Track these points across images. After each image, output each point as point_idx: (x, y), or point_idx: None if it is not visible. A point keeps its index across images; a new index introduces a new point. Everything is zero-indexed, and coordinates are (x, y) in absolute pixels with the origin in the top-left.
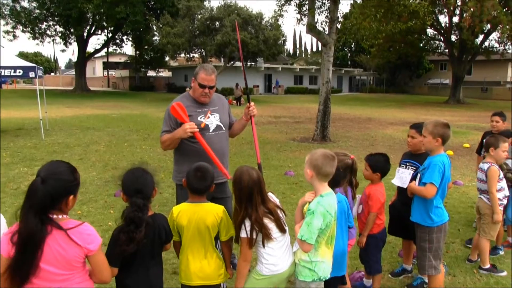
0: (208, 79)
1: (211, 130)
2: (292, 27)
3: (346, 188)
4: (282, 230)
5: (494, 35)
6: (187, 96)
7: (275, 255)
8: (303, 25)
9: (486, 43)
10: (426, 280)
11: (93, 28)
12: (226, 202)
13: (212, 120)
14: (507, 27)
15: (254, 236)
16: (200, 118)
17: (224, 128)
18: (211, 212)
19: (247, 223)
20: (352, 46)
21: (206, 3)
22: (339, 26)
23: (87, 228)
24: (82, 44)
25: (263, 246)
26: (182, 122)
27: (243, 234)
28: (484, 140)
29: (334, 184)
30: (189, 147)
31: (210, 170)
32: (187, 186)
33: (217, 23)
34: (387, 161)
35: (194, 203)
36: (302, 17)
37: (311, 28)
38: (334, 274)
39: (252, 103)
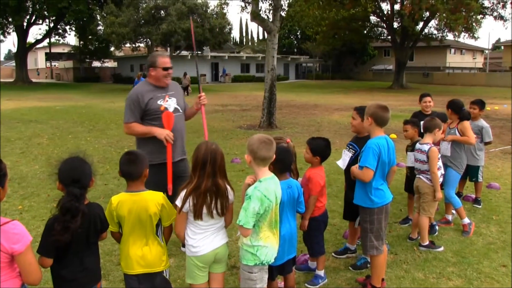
0: (167, 61)
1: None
2: (237, 15)
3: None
4: (209, 217)
5: (433, 22)
6: (147, 84)
7: (194, 238)
8: (248, 13)
9: (426, 30)
10: (369, 260)
11: (34, 17)
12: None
13: (170, 103)
14: (444, 15)
15: (184, 209)
16: (159, 101)
17: (181, 111)
18: (152, 201)
19: (190, 197)
20: (298, 33)
21: None
22: (283, 13)
23: (15, 227)
24: (22, 34)
25: (189, 223)
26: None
27: (178, 204)
28: (423, 122)
29: (283, 168)
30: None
31: (140, 154)
32: (121, 173)
33: (162, 12)
34: (328, 146)
35: (132, 192)
36: (246, 4)
37: (255, 16)
38: (287, 257)
39: (202, 93)
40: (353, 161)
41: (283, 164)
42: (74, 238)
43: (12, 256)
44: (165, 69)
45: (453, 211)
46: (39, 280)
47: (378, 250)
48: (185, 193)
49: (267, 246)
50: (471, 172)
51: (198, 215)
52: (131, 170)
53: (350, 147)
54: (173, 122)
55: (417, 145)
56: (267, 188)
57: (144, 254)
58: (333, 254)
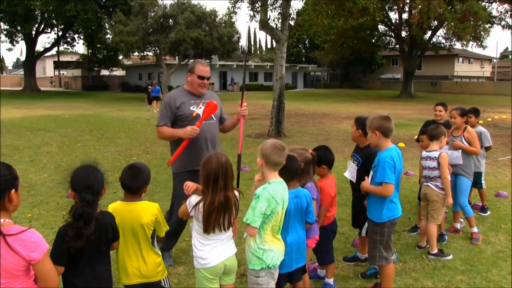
0: (205, 71)
1: None
2: (245, 24)
3: (315, 183)
4: (220, 230)
5: (441, 31)
6: (182, 89)
7: (203, 250)
8: (256, 22)
9: (434, 39)
10: (379, 269)
11: (42, 26)
12: None
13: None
14: (452, 23)
15: (193, 213)
16: (192, 107)
17: (214, 119)
18: (146, 211)
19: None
20: (306, 42)
21: (159, 1)
22: (292, 22)
23: (32, 235)
24: (31, 42)
25: (197, 235)
26: (193, 118)
27: (191, 210)
28: (429, 130)
29: (291, 175)
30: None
31: (144, 170)
32: (120, 183)
33: (170, 20)
34: (327, 150)
35: (127, 202)
36: (255, 13)
37: (264, 25)
38: (296, 265)
39: (244, 104)
40: (359, 172)
41: (287, 172)
42: (86, 246)
43: (28, 264)
44: (201, 77)
45: (461, 219)
46: (57, 286)
47: (387, 260)
48: (203, 210)
49: (272, 250)
50: (474, 179)
51: (210, 230)
52: (130, 185)
53: (354, 158)
54: (210, 111)
55: (424, 153)
56: (275, 190)
57: (139, 265)
58: (342, 259)
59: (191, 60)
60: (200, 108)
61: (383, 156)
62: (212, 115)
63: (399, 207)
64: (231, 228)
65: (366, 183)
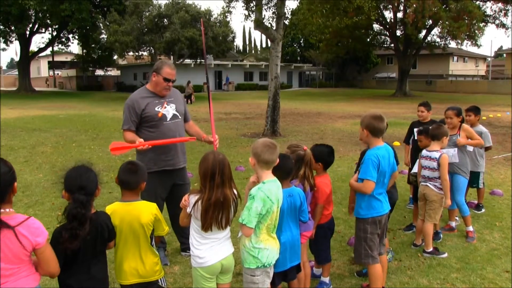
0: (172, 74)
1: (168, 119)
2: (240, 23)
3: (303, 182)
4: (216, 228)
5: (436, 30)
6: (144, 89)
7: (200, 249)
8: (251, 21)
9: (429, 38)
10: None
11: (36, 26)
12: (185, 189)
13: (169, 110)
14: (447, 22)
15: (193, 212)
16: (157, 108)
17: (180, 117)
18: (145, 211)
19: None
20: (301, 41)
21: (154, 0)
22: (286, 22)
23: (34, 222)
24: (25, 42)
25: (195, 233)
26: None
27: (189, 210)
28: (429, 130)
29: (285, 174)
30: (150, 136)
31: (141, 165)
32: (118, 181)
33: (165, 20)
34: (331, 153)
35: (126, 202)
36: (250, 13)
37: (259, 24)
38: (290, 264)
39: (216, 137)
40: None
41: (280, 171)
42: (81, 246)
43: (32, 250)
44: (166, 80)
45: (457, 218)
46: (58, 271)
47: (374, 259)
48: (201, 207)
49: (267, 249)
50: (472, 178)
51: (207, 227)
52: (129, 180)
53: None
54: (124, 145)
55: (425, 152)
56: (270, 189)
57: (137, 265)
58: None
59: (159, 60)
60: (165, 107)
61: (368, 153)
62: (177, 113)
63: (384, 206)
64: (228, 227)
65: (352, 180)
